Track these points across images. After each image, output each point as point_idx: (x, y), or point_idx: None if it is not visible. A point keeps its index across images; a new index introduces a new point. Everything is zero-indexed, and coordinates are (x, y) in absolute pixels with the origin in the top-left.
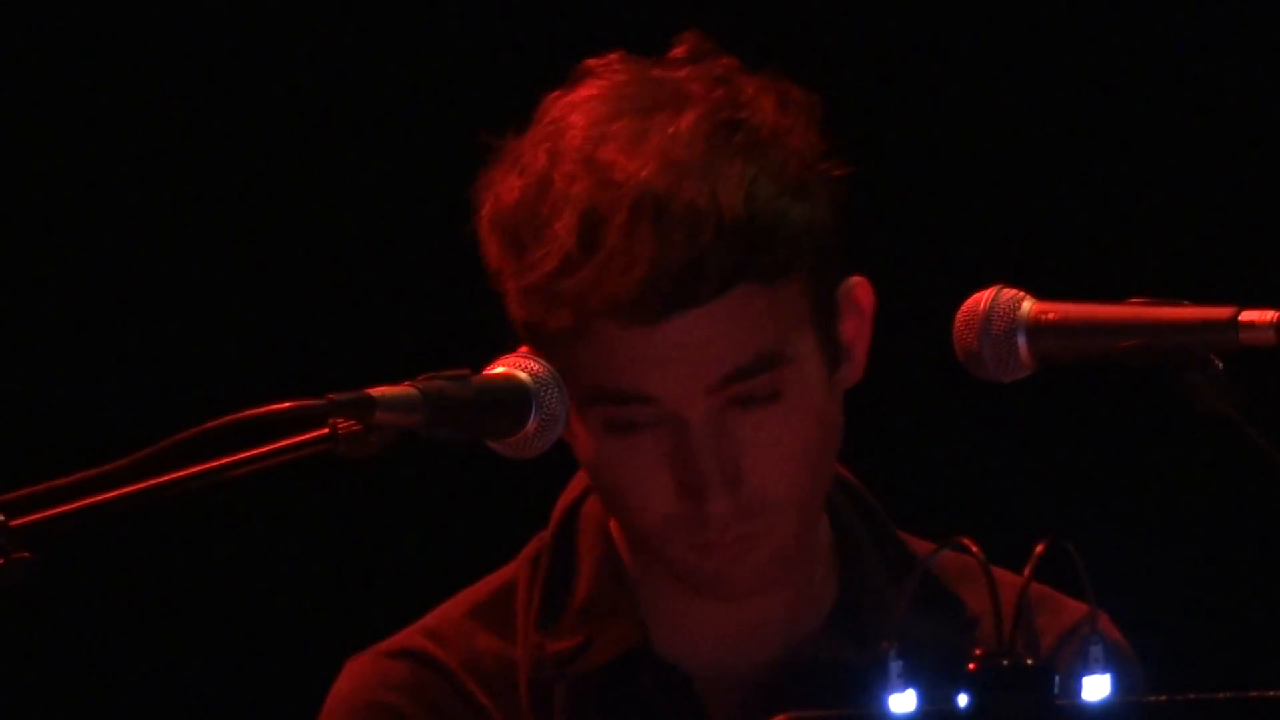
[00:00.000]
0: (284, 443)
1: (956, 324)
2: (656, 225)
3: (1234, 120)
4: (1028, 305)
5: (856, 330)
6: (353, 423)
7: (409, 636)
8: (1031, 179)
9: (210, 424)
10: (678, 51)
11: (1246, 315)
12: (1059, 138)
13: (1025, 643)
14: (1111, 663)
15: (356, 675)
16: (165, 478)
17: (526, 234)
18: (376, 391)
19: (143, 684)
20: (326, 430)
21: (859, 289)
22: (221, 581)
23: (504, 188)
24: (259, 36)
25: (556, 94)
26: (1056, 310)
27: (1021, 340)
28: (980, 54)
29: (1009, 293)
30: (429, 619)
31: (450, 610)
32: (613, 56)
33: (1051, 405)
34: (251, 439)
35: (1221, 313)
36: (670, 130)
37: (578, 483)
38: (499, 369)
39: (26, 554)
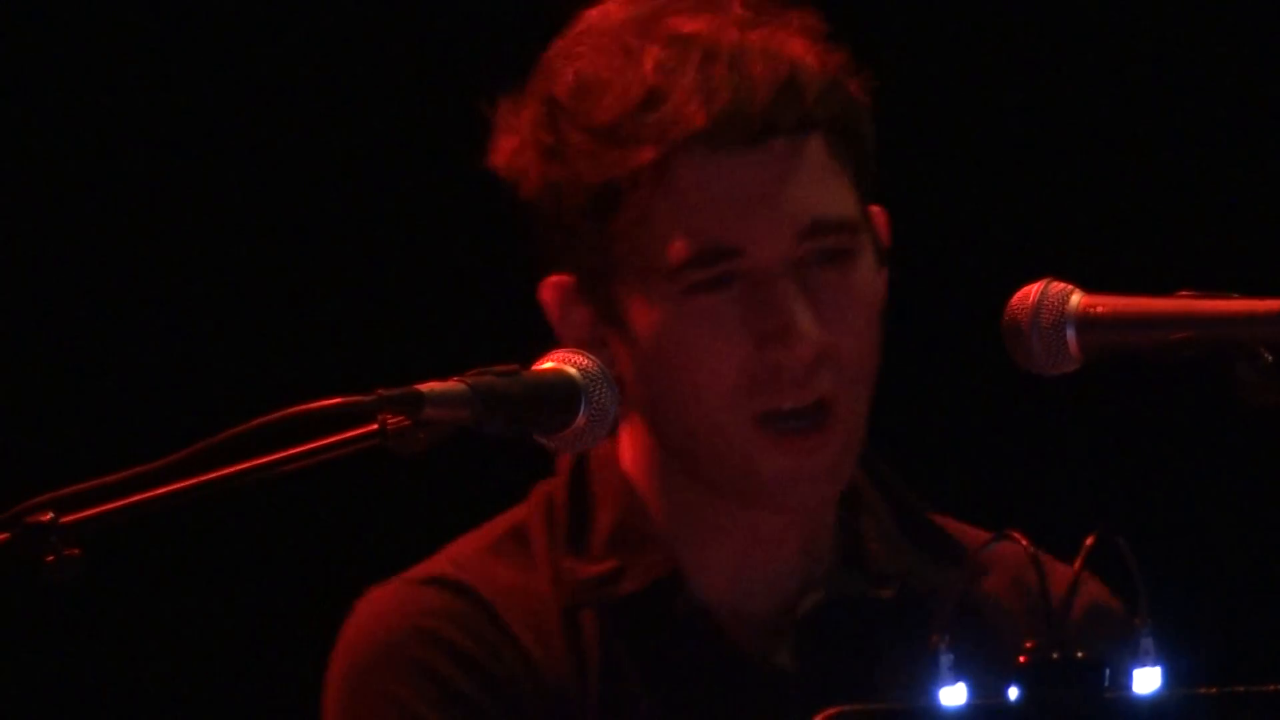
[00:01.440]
0: (333, 439)
1: (1006, 317)
2: (736, 64)
3: None
4: (1077, 298)
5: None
6: (402, 418)
7: (435, 565)
8: (1081, 173)
9: (259, 420)
10: None
11: None
12: (1109, 132)
13: (1028, 602)
14: (1108, 626)
15: (388, 603)
16: (215, 474)
17: (597, 89)
18: (426, 387)
19: (185, 678)
20: (376, 426)
21: (879, 216)
22: (269, 577)
23: (561, 74)
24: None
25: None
26: (1105, 303)
27: (1070, 333)
28: (1033, 50)
29: (1058, 286)
30: (446, 553)
31: (463, 547)
32: None
33: (1100, 398)
34: (301, 435)
35: (1271, 305)
36: (729, 6)
37: None
38: (548, 364)
39: (76, 551)
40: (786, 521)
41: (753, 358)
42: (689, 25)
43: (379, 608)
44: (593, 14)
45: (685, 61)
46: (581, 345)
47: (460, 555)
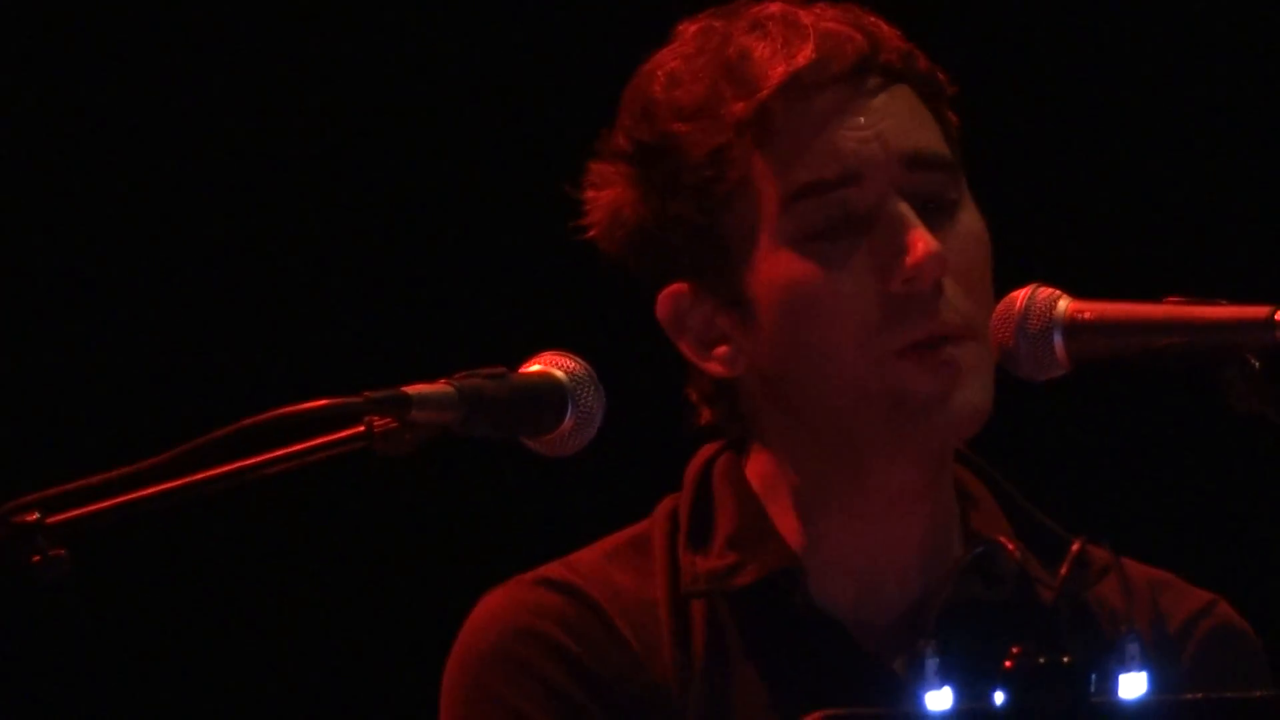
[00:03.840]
0: (320, 440)
1: (993, 322)
2: (818, 25)
3: (1271, 119)
4: (1064, 304)
5: None
6: (389, 420)
7: (550, 569)
8: (1067, 177)
9: (246, 422)
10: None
11: None
12: (1095, 136)
13: (1151, 621)
14: (1234, 646)
15: (498, 603)
16: (201, 476)
17: (687, 77)
18: (412, 389)
19: (176, 681)
20: (362, 428)
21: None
22: (261, 580)
23: (653, 78)
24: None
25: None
26: (1093, 309)
27: (1058, 339)
28: (1020, 53)
29: (1045, 291)
30: (565, 559)
31: (585, 554)
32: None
33: (1087, 403)
34: (287, 437)
35: (1259, 312)
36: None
37: (706, 449)
38: (535, 367)
39: (61, 551)
40: (910, 518)
41: (881, 292)
42: (769, 9)
43: (490, 608)
44: (679, 27)
45: (767, 33)
46: (704, 349)
47: (576, 560)
